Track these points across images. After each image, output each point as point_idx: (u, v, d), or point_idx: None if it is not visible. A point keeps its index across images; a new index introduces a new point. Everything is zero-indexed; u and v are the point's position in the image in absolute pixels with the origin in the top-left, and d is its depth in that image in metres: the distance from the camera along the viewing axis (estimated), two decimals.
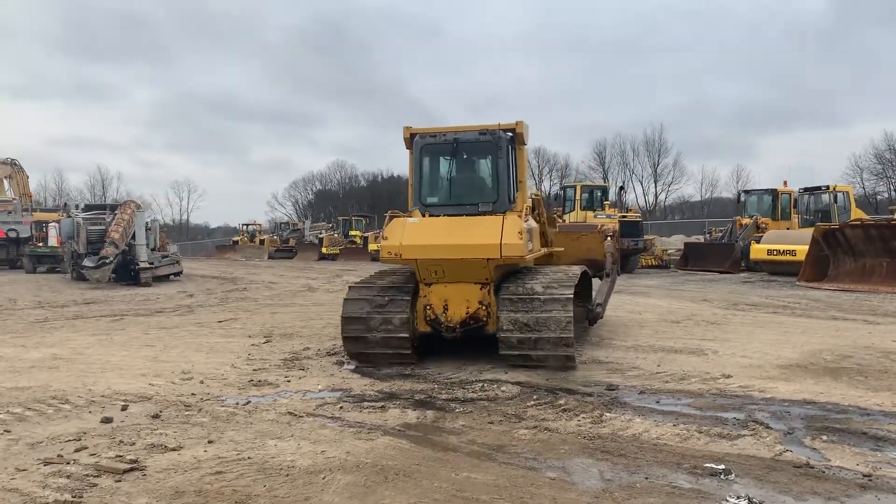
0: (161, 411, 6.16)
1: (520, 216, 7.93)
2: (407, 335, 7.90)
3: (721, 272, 21.54)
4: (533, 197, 10.28)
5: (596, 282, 10.84)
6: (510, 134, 8.32)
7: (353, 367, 8.09)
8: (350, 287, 8.49)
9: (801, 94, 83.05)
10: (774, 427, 5.39)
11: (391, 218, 8.69)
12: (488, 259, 7.63)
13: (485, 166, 8.46)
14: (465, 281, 7.96)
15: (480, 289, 7.95)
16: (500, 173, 8.16)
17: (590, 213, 21.96)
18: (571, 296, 7.54)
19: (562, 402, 6.31)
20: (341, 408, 6.21)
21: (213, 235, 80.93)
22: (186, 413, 6.12)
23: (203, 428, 5.63)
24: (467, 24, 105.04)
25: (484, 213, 8.09)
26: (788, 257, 18.97)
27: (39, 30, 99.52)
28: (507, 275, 8.15)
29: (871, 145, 58.39)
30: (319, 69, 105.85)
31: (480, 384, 7.06)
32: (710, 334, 9.95)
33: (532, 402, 6.31)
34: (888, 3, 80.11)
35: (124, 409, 6.25)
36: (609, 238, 11.29)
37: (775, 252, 19.55)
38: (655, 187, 69.82)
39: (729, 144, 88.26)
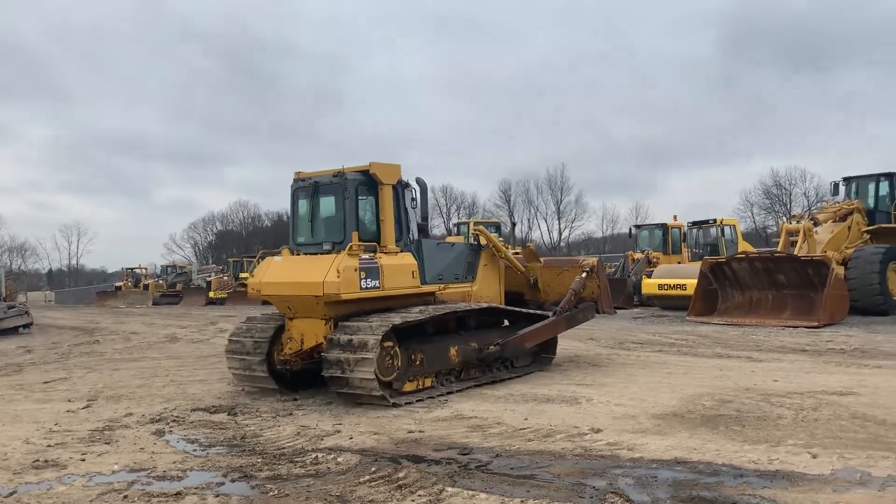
0: None
1: (351, 255, 8.02)
2: (264, 363, 8.61)
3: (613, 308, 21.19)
4: (476, 233, 10.61)
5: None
6: (362, 175, 8.53)
7: (175, 436, 6.88)
8: (246, 318, 9.44)
9: (698, 133, 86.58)
10: (635, 499, 4.57)
11: (262, 256, 8.91)
12: (315, 296, 7.97)
13: (336, 207, 8.64)
14: (313, 317, 8.38)
15: (325, 324, 8.29)
16: (346, 214, 8.41)
17: None
18: (377, 338, 7.62)
19: (402, 474, 5.33)
20: (126, 497, 5.01)
21: (110, 280, 76.40)
22: None
23: None
24: (375, 63, 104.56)
25: (327, 252, 8.36)
26: (679, 291, 18.79)
27: None
28: (357, 312, 8.28)
29: (760, 181, 61.04)
30: (225, 107, 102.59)
31: (315, 454, 6.01)
32: (590, 378, 9.25)
33: (367, 477, 5.30)
34: (774, 47, 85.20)
35: None
36: (585, 273, 10.32)
37: (666, 286, 19.37)
38: (559, 224, 70.83)
39: (631, 182, 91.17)
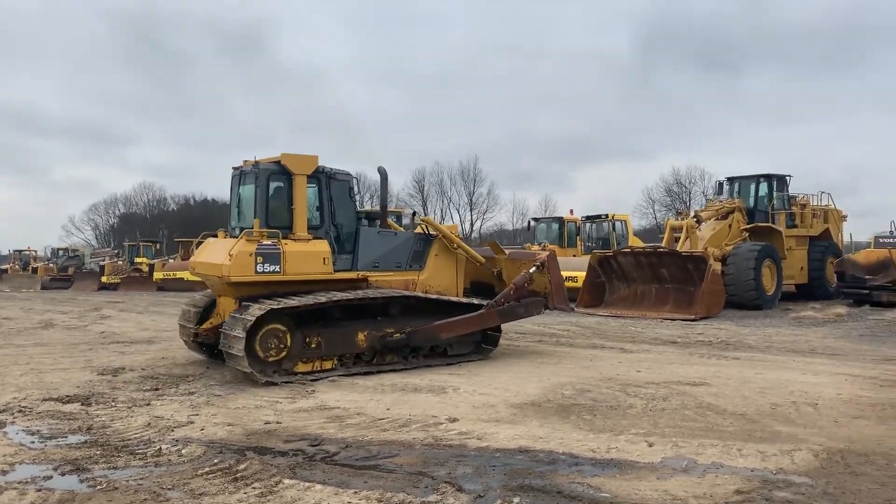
0: None
1: (249, 240, 8.58)
2: (191, 330, 9.59)
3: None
4: (421, 221, 10.67)
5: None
6: (275, 166, 9.00)
7: (15, 427, 6.51)
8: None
9: (609, 128, 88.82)
10: (467, 488, 4.63)
11: (204, 238, 9.48)
12: (218, 277, 8.66)
13: (252, 195, 9.12)
14: (228, 295, 9.04)
15: (235, 303, 8.84)
16: (257, 201, 8.91)
17: None
18: (250, 319, 8.12)
19: (244, 466, 5.22)
20: None
21: (2, 263, 71.85)
22: None
23: None
24: (293, 45, 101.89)
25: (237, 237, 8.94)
26: (570, 283, 19.21)
27: None
28: (268, 294, 8.75)
29: (662, 179, 63.27)
30: (130, 83, 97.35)
31: (160, 446, 5.81)
32: (465, 369, 9.35)
33: (206, 469, 5.16)
34: (685, 49, 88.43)
35: None
36: (534, 268, 10.23)
37: None
38: (471, 215, 71.49)
39: (542, 175, 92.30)
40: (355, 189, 9.76)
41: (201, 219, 70.52)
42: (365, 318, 9.22)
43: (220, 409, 7.13)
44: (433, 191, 70.80)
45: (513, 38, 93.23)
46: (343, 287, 9.22)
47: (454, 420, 6.50)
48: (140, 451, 5.69)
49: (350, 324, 9.10)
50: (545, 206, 67.98)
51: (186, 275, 30.48)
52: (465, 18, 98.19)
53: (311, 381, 8.44)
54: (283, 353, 8.52)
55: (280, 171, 8.99)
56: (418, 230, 10.54)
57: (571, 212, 25.15)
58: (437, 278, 10.23)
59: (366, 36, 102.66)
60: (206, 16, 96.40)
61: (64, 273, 39.21)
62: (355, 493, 4.60)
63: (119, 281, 32.91)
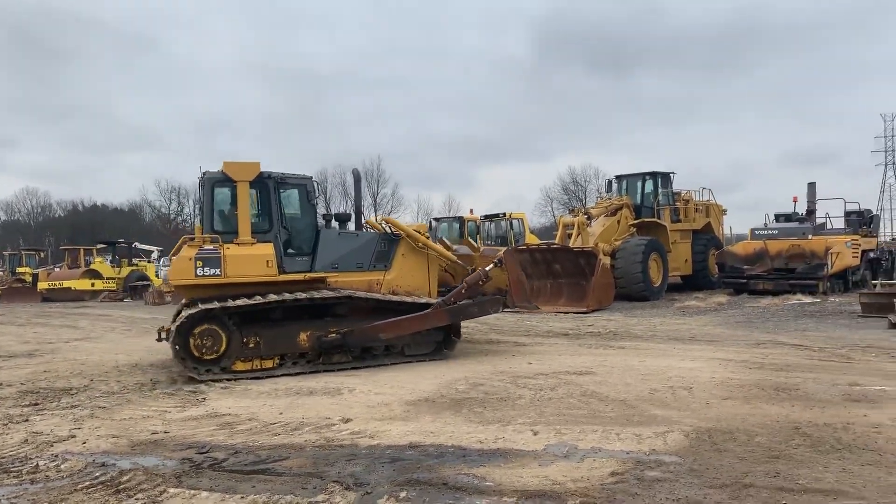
0: None
1: (191, 246, 9.05)
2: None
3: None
4: (383, 221, 10.66)
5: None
6: (220, 174, 9.27)
7: None
8: None
9: (510, 129, 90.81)
10: (354, 487, 4.69)
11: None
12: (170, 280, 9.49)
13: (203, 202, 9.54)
14: (185, 298, 9.71)
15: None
16: (203, 208, 9.36)
17: None
18: (182, 317, 8.71)
19: (126, 478, 5.09)
20: None
21: None
22: None
23: None
24: (180, 42, 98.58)
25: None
26: None
27: None
28: (218, 297, 8.98)
29: (559, 178, 65.22)
30: (8, 82, 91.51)
31: (37, 462, 5.58)
32: (365, 372, 9.35)
33: (86, 484, 5.00)
34: (580, 51, 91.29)
35: None
36: (492, 265, 10.13)
37: None
38: (376, 215, 71.23)
39: (445, 175, 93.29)
40: (315, 192, 9.83)
41: (92, 224, 67.34)
42: (310, 319, 9.29)
43: (104, 422, 6.89)
44: (336, 192, 70.13)
45: (412, 39, 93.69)
46: (295, 288, 9.32)
47: (347, 420, 6.54)
48: (15, 468, 5.45)
49: (292, 324, 9.21)
50: (449, 206, 68.65)
51: (74, 284, 29.05)
52: (362, 18, 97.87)
53: (250, 379, 8.84)
54: (220, 352, 8.84)
55: (224, 178, 9.25)
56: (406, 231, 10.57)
57: (472, 211, 25.57)
58: (406, 278, 10.25)
59: (262, 34, 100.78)
60: (88, 12, 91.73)
61: None
62: (242, 497, 4.59)
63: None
